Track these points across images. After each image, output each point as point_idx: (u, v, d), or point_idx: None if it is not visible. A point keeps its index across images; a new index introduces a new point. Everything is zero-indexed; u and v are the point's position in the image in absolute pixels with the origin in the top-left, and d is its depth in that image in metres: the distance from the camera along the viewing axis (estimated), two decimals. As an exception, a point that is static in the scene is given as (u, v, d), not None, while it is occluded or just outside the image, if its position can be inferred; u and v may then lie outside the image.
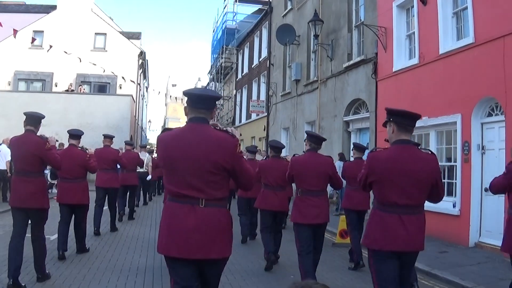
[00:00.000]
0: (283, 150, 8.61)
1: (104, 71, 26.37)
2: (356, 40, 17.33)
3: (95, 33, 32.56)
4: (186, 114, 3.85)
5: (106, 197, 11.45)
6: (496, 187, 5.64)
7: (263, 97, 28.42)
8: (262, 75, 28.81)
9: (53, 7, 33.01)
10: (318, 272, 7.09)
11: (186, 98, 3.86)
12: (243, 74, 34.18)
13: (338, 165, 14.58)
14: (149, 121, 60.68)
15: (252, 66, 31.17)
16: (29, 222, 6.55)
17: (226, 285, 6.97)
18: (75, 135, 8.72)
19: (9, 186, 13.49)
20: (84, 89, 30.66)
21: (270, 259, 8.19)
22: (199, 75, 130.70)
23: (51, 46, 23.41)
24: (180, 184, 3.63)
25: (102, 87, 32.95)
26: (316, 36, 18.52)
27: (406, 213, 4.21)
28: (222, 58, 36.20)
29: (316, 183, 6.75)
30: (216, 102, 4.11)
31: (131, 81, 28.57)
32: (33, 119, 6.68)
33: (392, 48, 14.17)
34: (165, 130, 4.11)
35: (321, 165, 6.79)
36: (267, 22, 27.81)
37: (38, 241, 6.58)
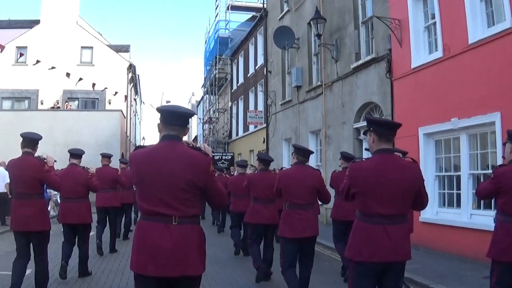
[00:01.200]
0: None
1: (93, 85, 24.32)
2: (364, 37, 15.64)
3: (81, 47, 30.97)
4: (159, 131, 3.85)
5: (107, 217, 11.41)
6: (483, 192, 5.53)
7: (261, 107, 26.68)
8: (259, 84, 27.10)
9: (37, 22, 31.35)
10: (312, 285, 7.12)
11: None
12: (238, 85, 32.43)
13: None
14: (143, 138, 58.82)
15: (248, 75, 29.42)
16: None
17: None
18: (76, 154, 8.68)
19: (9, 209, 13.32)
20: (70, 105, 28.85)
21: (260, 268, 8.28)
22: (192, 89, 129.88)
23: (38, 61, 21.93)
24: (153, 201, 3.65)
25: (91, 103, 31.19)
26: (318, 36, 16.80)
27: (390, 223, 4.14)
28: (215, 69, 34.49)
29: (303, 196, 6.69)
30: (190, 119, 4.03)
31: (125, 96, 26.87)
32: (30, 141, 6.64)
33: (409, 42, 12.46)
34: (138, 147, 4.10)
35: (308, 178, 6.75)
36: (262, 27, 26.18)
37: (41, 265, 6.55)
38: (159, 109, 3.83)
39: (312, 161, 17.87)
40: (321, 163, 18.21)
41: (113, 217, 11.53)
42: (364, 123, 15.04)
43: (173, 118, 3.79)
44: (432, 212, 11.41)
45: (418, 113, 12.05)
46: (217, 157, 29.45)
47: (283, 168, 7.78)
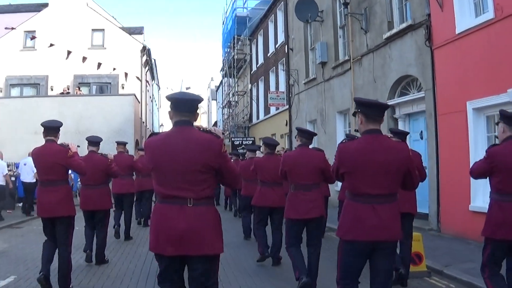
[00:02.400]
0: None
1: (99, 65, 22.85)
2: (397, 3, 13.98)
3: (92, 30, 29.33)
4: (170, 118, 3.98)
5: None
6: (477, 171, 5.45)
7: (282, 88, 25.13)
8: (280, 63, 25.49)
9: (45, 5, 29.90)
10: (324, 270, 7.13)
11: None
12: (258, 66, 30.84)
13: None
14: (161, 125, 57.58)
15: (268, 55, 27.81)
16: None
17: (226, 283, 7.21)
18: (94, 142, 8.87)
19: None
20: (81, 91, 27.53)
21: (263, 255, 8.57)
22: (211, 74, 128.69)
23: (51, 44, 20.65)
24: (169, 185, 3.79)
25: (103, 88, 29.79)
26: (345, 5, 15.23)
27: (379, 202, 4.17)
28: (234, 50, 32.90)
29: (308, 177, 6.72)
30: (199, 105, 4.13)
31: (137, 77, 25.44)
32: (52, 129, 6.79)
33: (452, 4, 10.90)
34: (152, 134, 4.22)
35: (312, 159, 6.76)
36: (282, 2, 24.51)
37: (64, 252, 6.61)
38: (168, 97, 3.96)
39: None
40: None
41: (127, 203, 11.60)
42: (399, 100, 13.65)
43: (182, 105, 3.93)
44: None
45: (465, 85, 10.53)
46: (237, 142, 28.11)
47: (287, 151, 8.09)
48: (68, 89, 27.41)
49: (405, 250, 7.03)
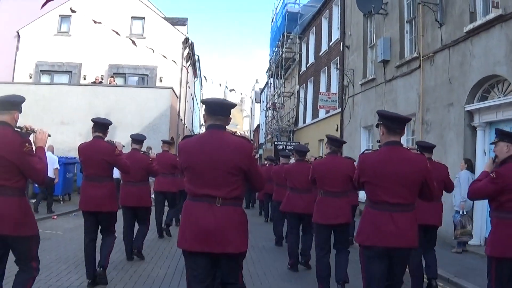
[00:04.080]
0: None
1: (133, 42, 20.71)
2: (482, -10, 11.76)
3: (132, 17, 27.69)
4: (204, 121, 4.21)
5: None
6: (480, 193, 5.23)
7: (334, 89, 23.00)
8: (333, 63, 23.37)
9: (82, -12, 28.40)
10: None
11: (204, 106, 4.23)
12: (308, 65, 28.73)
13: (465, 176, 10.48)
14: (202, 125, 56.00)
15: (320, 54, 25.68)
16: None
17: (249, 284, 7.20)
18: (138, 140, 9.05)
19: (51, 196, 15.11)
20: (115, 81, 25.98)
21: (292, 259, 8.68)
22: (257, 77, 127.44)
23: (96, 22, 18.94)
24: (200, 184, 3.97)
25: (139, 80, 28.10)
26: (418, -8, 13.08)
27: (397, 210, 4.38)
28: (283, 48, 30.89)
29: (336, 184, 6.93)
30: (232, 110, 4.28)
31: (173, 61, 23.64)
32: (102, 126, 6.96)
33: None
34: (186, 137, 4.51)
35: (341, 167, 7.00)
36: (339, -4, 22.40)
37: (109, 235, 6.96)
38: (203, 101, 4.25)
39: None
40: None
41: (170, 201, 11.95)
42: (480, 105, 11.45)
43: (216, 109, 4.12)
44: None
45: None
46: (281, 147, 26.27)
47: (317, 158, 8.53)
48: (102, 79, 25.97)
49: (430, 260, 7.23)
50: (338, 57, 21.98)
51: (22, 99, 4.66)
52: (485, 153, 11.44)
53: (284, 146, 26.35)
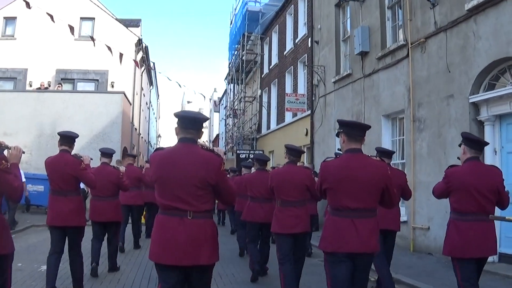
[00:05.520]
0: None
1: (93, 39, 18.26)
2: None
3: (81, 18, 25.30)
4: (176, 134, 4.24)
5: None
6: (437, 192, 5.63)
7: (302, 90, 20.98)
8: (299, 62, 21.38)
9: (27, -12, 25.99)
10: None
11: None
12: (270, 67, 26.61)
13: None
14: (159, 136, 53.54)
15: (285, 53, 23.62)
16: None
17: None
18: (107, 153, 8.95)
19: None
20: (61, 86, 23.44)
21: (255, 270, 8.53)
22: (214, 85, 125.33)
23: (48, 14, 16.46)
24: (171, 197, 4.00)
25: (89, 85, 25.57)
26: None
27: (358, 216, 4.42)
28: (243, 50, 28.74)
29: (294, 194, 6.98)
30: (204, 124, 4.35)
31: (134, 60, 21.51)
32: (68, 139, 6.96)
33: None
34: (157, 149, 4.50)
35: (298, 177, 7.03)
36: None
37: (76, 259, 6.84)
38: (176, 114, 4.22)
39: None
40: (403, 159, 12.54)
41: (136, 215, 11.94)
42: (488, 95, 9.60)
43: (189, 123, 4.18)
44: None
45: None
46: (243, 156, 24.40)
47: (275, 167, 9.34)
48: (49, 85, 23.50)
49: (381, 262, 7.09)
50: (306, 55, 19.99)
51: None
52: (495, 151, 9.59)
53: (247, 155, 24.29)
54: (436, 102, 10.95)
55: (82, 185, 8.39)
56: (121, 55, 15.40)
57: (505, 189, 5.36)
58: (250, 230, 8.91)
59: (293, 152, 7.33)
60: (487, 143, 5.71)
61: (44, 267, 8.21)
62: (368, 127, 4.83)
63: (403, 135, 12.70)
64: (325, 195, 4.73)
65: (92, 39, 16.00)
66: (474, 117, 9.89)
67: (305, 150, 20.08)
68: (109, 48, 14.75)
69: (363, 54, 14.44)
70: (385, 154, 7.40)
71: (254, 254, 8.72)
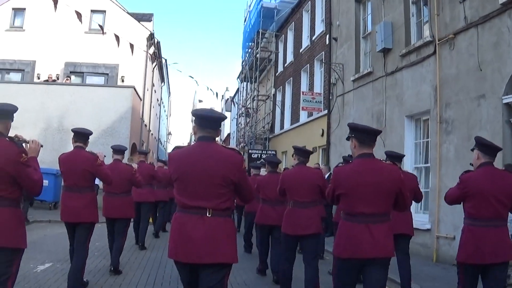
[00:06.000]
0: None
1: (102, 29, 17.80)
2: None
3: (91, 10, 24.57)
4: (194, 133, 4.27)
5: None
6: (450, 198, 5.59)
7: (318, 89, 20.35)
8: (316, 60, 20.73)
9: (37, -21, 25.50)
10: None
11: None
12: (285, 65, 25.97)
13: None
14: (169, 133, 53.02)
15: (301, 51, 22.99)
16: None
17: None
18: (119, 150, 9.02)
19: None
20: (69, 79, 23.04)
21: (261, 271, 8.86)
22: (226, 85, 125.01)
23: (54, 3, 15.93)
24: (191, 196, 3.96)
25: (98, 79, 25.04)
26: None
27: (372, 221, 4.38)
28: (258, 47, 28.16)
29: (306, 194, 6.95)
30: (222, 123, 4.32)
31: (145, 51, 21.21)
32: (82, 135, 6.99)
33: None
34: (176, 148, 4.57)
35: (310, 177, 7.03)
36: (325, -17, 19.80)
37: (81, 252, 6.63)
38: (193, 113, 4.18)
39: (408, 164, 11.88)
40: (427, 163, 11.84)
41: (145, 212, 11.58)
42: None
43: (207, 122, 4.12)
44: None
45: None
46: (255, 156, 23.93)
47: (287, 169, 8.82)
48: (57, 78, 23.06)
49: (404, 268, 7.21)
50: (324, 52, 19.35)
51: (15, 108, 4.77)
52: (530, 156, 8.89)
53: (259, 155, 23.76)
54: (465, 102, 10.26)
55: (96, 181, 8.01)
56: (131, 45, 14.85)
57: None
58: (261, 233, 8.94)
59: (301, 153, 7.37)
60: (500, 149, 5.54)
61: (41, 268, 8.38)
62: (380, 132, 4.79)
63: (428, 137, 11.99)
64: (337, 201, 4.72)
65: (101, 28, 15.43)
66: (507, 119, 9.22)
67: (321, 151, 19.47)
68: (117, 38, 14.14)
69: (386, 51, 13.77)
70: (395, 158, 7.55)
71: (262, 255, 8.94)
